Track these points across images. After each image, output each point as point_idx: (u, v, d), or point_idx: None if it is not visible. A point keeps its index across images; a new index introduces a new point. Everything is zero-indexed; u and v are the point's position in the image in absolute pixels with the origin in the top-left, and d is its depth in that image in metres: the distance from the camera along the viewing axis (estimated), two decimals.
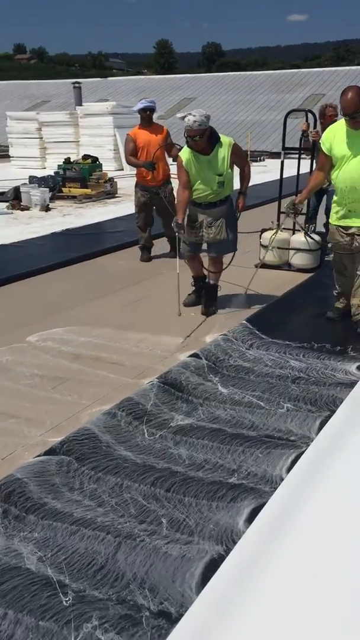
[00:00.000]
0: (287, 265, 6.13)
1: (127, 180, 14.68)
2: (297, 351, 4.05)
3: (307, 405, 3.29)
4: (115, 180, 11.84)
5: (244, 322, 4.47)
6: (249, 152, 18.23)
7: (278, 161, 23.93)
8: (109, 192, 11.41)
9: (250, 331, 4.34)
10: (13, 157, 18.67)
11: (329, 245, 4.53)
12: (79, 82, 24.00)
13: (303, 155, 6.48)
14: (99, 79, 34.82)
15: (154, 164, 6.17)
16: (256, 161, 19.10)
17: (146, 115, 6.17)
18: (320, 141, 4.24)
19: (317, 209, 6.80)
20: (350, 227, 4.20)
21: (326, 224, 5.23)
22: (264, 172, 16.27)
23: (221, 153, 4.40)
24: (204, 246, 4.91)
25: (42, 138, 18.17)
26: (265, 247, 5.94)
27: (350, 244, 4.23)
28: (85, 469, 2.67)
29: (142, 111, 6.13)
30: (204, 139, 4.32)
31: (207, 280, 4.93)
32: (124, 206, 10.45)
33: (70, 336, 4.33)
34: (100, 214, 9.57)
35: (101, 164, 11.97)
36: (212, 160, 4.41)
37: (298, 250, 5.97)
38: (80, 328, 4.49)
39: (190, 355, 3.85)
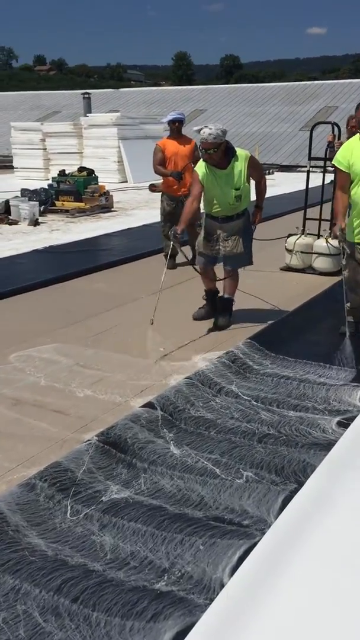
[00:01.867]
0: (310, 269, 6.37)
1: (128, 194, 14.31)
2: (275, 394, 3.52)
3: (271, 474, 2.75)
4: (111, 193, 11.39)
5: (219, 359, 3.95)
6: None
7: (288, 174, 23.56)
8: (104, 206, 10.98)
9: (222, 372, 3.82)
10: (17, 168, 18.38)
11: (343, 262, 4.35)
12: (88, 93, 23.77)
13: (328, 165, 6.57)
14: (110, 89, 34.63)
15: (181, 173, 6.34)
16: (266, 174, 18.60)
17: (175, 126, 6.35)
18: (335, 160, 4.08)
19: None
20: None
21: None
22: (271, 187, 15.65)
23: (238, 167, 4.40)
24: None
25: (45, 149, 17.86)
26: (290, 251, 6.38)
27: None
28: None
29: (172, 123, 6.31)
30: (219, 153, 4.32)
31: (222, 294, 4.85)
32: (117, 221, 10.02)
33: (14, 376, 3.83)
34: (90, 230, 9.11)
35: (97, 177, 11.54)
36: (229, 175, 4.41)
37: (320, 254, 6.17)
38: (27, 366, 3.99)
39: (144, 405, 3.33)
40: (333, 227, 5.70)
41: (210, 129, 4.26)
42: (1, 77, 79.32)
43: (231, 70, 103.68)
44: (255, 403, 3.47)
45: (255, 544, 2.25)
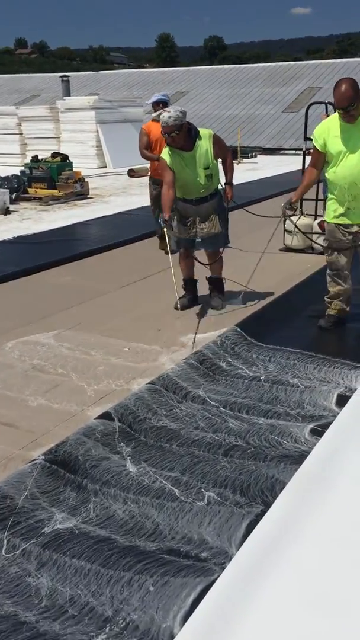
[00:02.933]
0: (310, 249, 6.39)
1: (106, 179, 13.91)
2: (245, 399, 3.25)
3: (236, 494, 2.49)
4: (87, 180, 11.00)
5: (186, 360, 3.67)
6: (239, 148, 17.37)
7: (271, 158, 23.05)
8: (80, 192, 10.58)
9: (189, 374, 3.53)
10: None
11: (325, 244, 4.29)
12: (67, 76, 23.16)
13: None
14: (90, 72, 33.87)
15: None
16: (247, 157, 18.22)
17: (159, 108, 5.96)
18: (312, 137, 4.06)
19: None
20: (352, 225, 4.00)
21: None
22: (253, 170, 15.39)
23: (203, 146, 4.36)
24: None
25: (22, 134, 17.34)
26: (289, 232, 6.36)
27: (352, 243, 4.04)
28: None
29: (156, 104, 6.15)
30: (182, 135, 4.26)
31: (211, 275, 4.83)
32: (92, 209, 9.65)
33: None
34: (63, 219, 8.74)
35: (71, 163, 11.11)
36: (196, 155, 4.36)
37: (321, 234, 5.95)
38: None
39: (100, 416, 3.04)
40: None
41: (169, 111, 4.21)
42: None
43: (215, 52, 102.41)
44: (223, 409, 3.20)
45: (213, 582, 1.99)
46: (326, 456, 2.69)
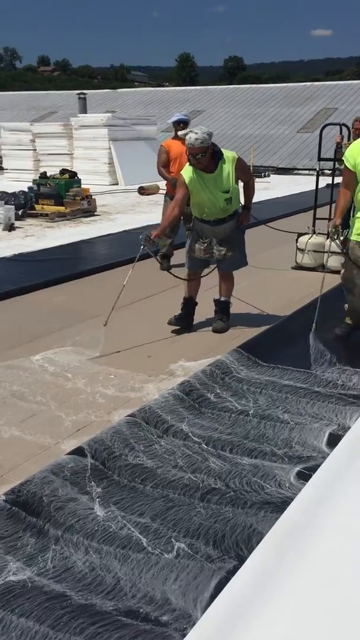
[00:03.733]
0: (321, 267, 6.36)
1: (116, 197, 13.85)
2: (230, 435, 3.06)
3: (208, 545, 2.28)
4: (94, 197, 10.92)
5: (172, 391, 3.48)
6: (251, 167, 17.26)
7: (284, 177, 23.12)
8: (87, 210, 10.50)
9: (173, 406, 3.34)
10: (6, 169, 17.94)
11: (344, 261, 4.43)
12: (84, 93, 23.35)
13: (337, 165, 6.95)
14: (108, 90, 34.19)
15: None
16: (260, 177, 18.10)
17: (180, 127, 6.22)
18: (344, 157, 4.13)
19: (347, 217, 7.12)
20: None
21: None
22: (266, 190, 15.24)
23: (225, 169, 4.29)
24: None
25: (35, 150, 17.41)
26: (302, 250, 6.51)
27: None
28: None
29: (176, 124, 6.27)
30: (207, 157, 4.20)
31: (219, 297, 4.75)
32: (98, 227, 9.56)
33: None
34: (66, 236, 8.64)
35: (79, 180, 11.05)
36: (217, 178, 4.29)
37: (333, 253, 6.13)
38: None
39: (72, 451, 2.86)
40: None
41: (197, 133, 4.12)
42: (5, 78, 78.91)
43: (235, 72, 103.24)
44: (205, 447, 3.00)
45: None
46: (310, 505, 2.47)
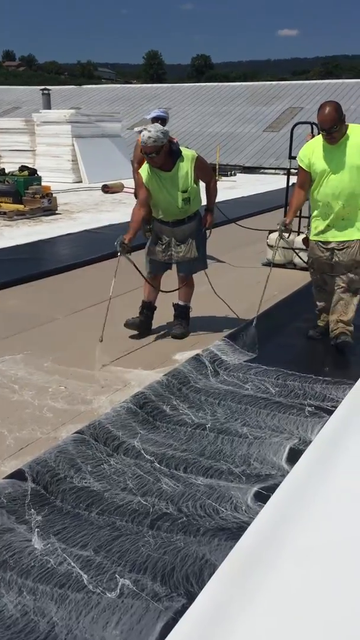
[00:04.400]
0: (291, 264, 6.62)
1: (80, 195, 13.54)
2: (185, 452, 2.87)
3: (156, 581, 2.08)
4: (55, 195, 10.61)
5: (124, 404, 3.27)
6: (217, 166, 17.13)
7: (250, 176, 23.10)
8: (47, 208, 10.19)
9: (125, 421, 3.13)
10: None
11: (309, 261, 4.41)
12: (47, 89, 22.89)
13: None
14: (73, 86, 33.68)
15: None
16: (226, 176, 17.99)
17: (157, 123, 5.84)
18: (297, 158, 4.17)
19: None
20: (329, 242, 4.12)
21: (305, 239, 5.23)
22: (232, 188, 15.12)
23: (183, 168, 4.15)
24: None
25: None
26: (271, 247, 6.49)
27: (330, 259, 4.15)
28: None
29: (155, 119, 6.08)
30: (162, 156, 4.07)
31: (178, 301, 4.60)
32: (58, 226, 9.26)
33: None
34: (24, 235, 8.33)
35: (40, 177, 10.71)
36: (174, 177, 4.16)
37: (301, 250, 6.22)
38: None
39: (10, 475, 2.62)
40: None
41: (150, 131, 4.00)
42: None
43: (202, 70, 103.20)
44: (158, 465, 2.80)
45: None
46: (266, 532, 2.29)
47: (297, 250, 6.44)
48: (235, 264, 6.82)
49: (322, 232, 4.12)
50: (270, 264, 6.24)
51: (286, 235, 4.36)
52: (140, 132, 4.12)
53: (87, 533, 2.32)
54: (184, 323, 4.57)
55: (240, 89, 27.77)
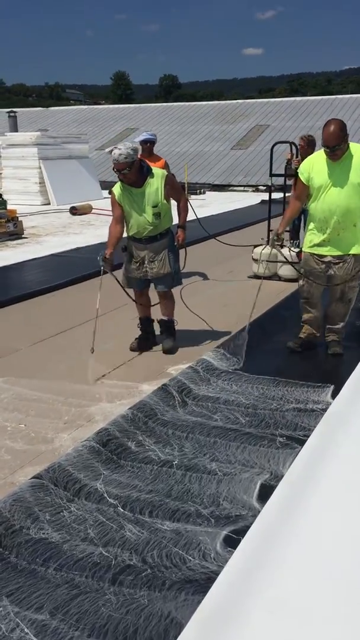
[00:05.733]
0: (276, 277, 6.89)
1: (47, 217, 13.37)
2: (151, 494, 2.70)
3: None
4: (21, 219, 10.43)
5: (87, 442, 3.09)
6: (186, 185, 17.13)
7: (220, 194, 23.30)
8: (13, 232, 10.00)
9: (87, 461, 2.96)
10: None
11: (302, 271, 4.51)
12: (14, 112, 22.85)
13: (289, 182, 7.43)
14: (40, 108, 33.62)
15: None
16: (195, 194, 18.01)
17: (146, 147, 6.36)
18: (298, 171, 4.32)
19: (298, 227, 7.59)
20: (325, 256, 4.24)
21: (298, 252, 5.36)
22: (201, 207, 15.08)
23: (153, 184, 4.32)
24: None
25: None
26: (256, 260, 6.90)
27: (325, 272, 4.28)
28: None
29: (143, 143, 6.36)
30: (134, 172, 4.22)
31: (162, 317, 4.72)
32: (24, 250, 9.08)
33: None
34: None
35: (5, 201, 10.54)
36: (145, 192, 4.31)
37: (285, 262, 6.47)
38: None
39: None
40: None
41: (120, 149, 4.16)
42: None
43: (170, 90, 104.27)
44: (122, 510, 2.63)
45: None
46: (236, 582, 2.14)
47: (280, 264, 6.77)
48: (219, 279, 7.08)
49: (318, 245, 4.25)
50: (255, 276, 6.82)
51: (278, 244, 4.49)
52: (110, 151, 4.26)
53: (43, 593, 2.14)
54: (171, 337, 4.69)
55: (207, 108, 28.00)
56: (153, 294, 4.72)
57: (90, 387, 3.97)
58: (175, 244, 4.53)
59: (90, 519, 2.56)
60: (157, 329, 4.79)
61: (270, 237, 4.46)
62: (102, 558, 2.33)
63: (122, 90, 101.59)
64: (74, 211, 13.56)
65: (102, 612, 2.05)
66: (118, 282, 4.60)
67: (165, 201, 4.37)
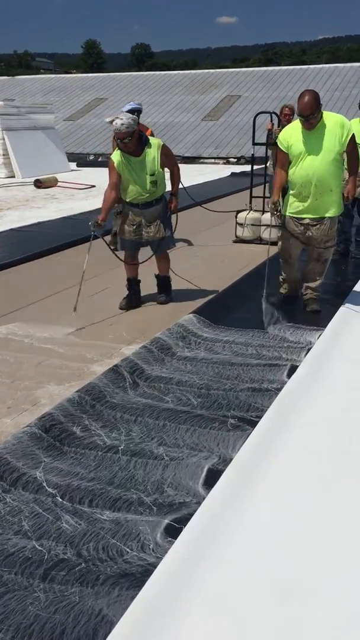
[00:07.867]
0: (258, 240, 7.23)
1: (10, 190, 12.97)
2: (92, 481, 2.58)
3: None
4: None
5: (28, 429, 2.94)
6: None
7: (191, 167, 22.82)
8: None
9: (28, 448, 2.82)
10: None
11: (279, 233, 4.86)
12: None
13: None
14: (5, 77, 32.55)
15: None
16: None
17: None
18: (277, 140, 4.55)
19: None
20: (304, 218, 4.55)
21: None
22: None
23: (151, 154, 4.59)
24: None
25: None
26: (241, 225, 7.34)
27: (303, 233, 4.59)
28: None
29: (130, 112, 6.17)
30: (133, 141, 4.48)
31: (158, 273, 5.14)
32: None
33: None
34: None
35: None
36: (143, 161, 4.59)
37: (267, 226, 6.63)
38: None
39: None
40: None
41: (122, 119, 4.40)
42: None
43: (143, 59, 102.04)
44: (60, 500, 2.50)
45: None
46: (174, 575, 2.04)
47: (263, 227, 7.08)
48: (206, 243, 7.42)
49: (297, 208, 4.53)
50: (240, 240, 7.36)
51: (276, 212, 4.68)
52: (111, 122, 4.45)
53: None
54: (167, 291, 5.13)
55: (178, 78, 27.40)
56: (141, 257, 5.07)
57: (37, 366, 3.81)
58: (169, 211, 4.86)
59: (26, 511, 2.43)
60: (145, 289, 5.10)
61: (269, 207, 4.85)
62: (34, 552, 2.20)
63: (93, 59, 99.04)
64: (38, 184, 13.19)
65: (29, 611, 1.93)
66: (108, 245, 5.03)
67: (160, 170, 4.66)
